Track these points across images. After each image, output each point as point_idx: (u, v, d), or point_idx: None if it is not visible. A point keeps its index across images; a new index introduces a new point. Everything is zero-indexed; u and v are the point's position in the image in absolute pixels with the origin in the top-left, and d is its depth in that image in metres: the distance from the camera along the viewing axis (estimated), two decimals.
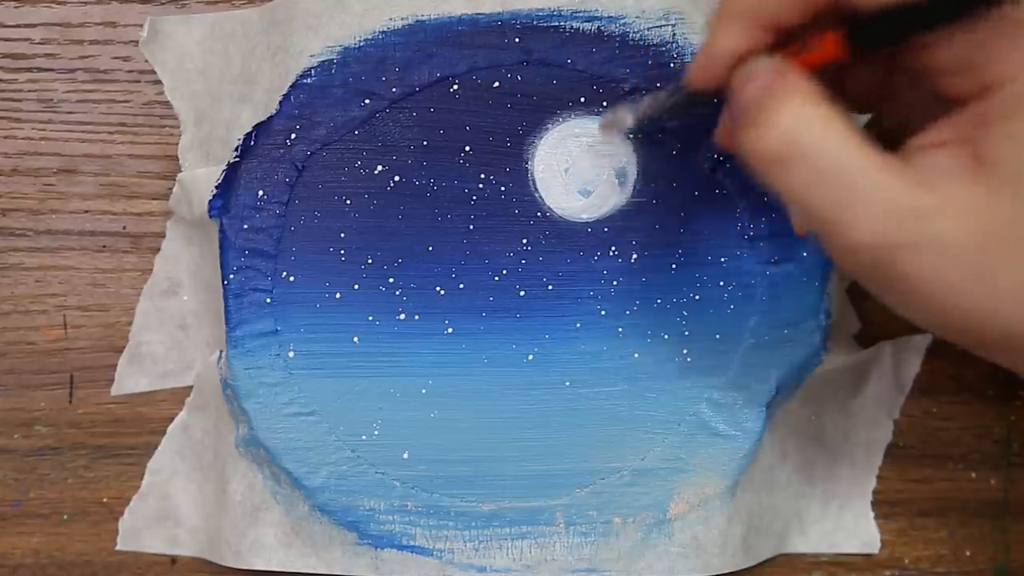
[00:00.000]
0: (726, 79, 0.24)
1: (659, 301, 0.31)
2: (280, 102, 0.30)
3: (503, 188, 0.31)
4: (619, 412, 0.31)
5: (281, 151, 0.31)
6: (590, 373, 0.31)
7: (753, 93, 0.23)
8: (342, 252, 0.31)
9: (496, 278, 0.31)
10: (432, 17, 0.30)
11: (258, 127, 0.30)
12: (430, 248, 0.31)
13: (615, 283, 0.31)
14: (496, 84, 0.31)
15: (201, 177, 0.31)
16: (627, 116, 0.29)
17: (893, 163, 0.21)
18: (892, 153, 0.22)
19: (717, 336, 0.31)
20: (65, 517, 0.33)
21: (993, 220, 0.20)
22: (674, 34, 0.30)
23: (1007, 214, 0.20)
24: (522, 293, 0.31)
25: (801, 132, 0.22)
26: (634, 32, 0.30)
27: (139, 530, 0.33)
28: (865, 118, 0.30)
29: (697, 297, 0.31)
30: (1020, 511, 0.34)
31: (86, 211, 0.33)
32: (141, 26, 0.32)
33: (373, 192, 0.31)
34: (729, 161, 0.31)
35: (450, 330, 0.31)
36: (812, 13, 0.22)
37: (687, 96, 0.26)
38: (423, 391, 0.31)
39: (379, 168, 0.31)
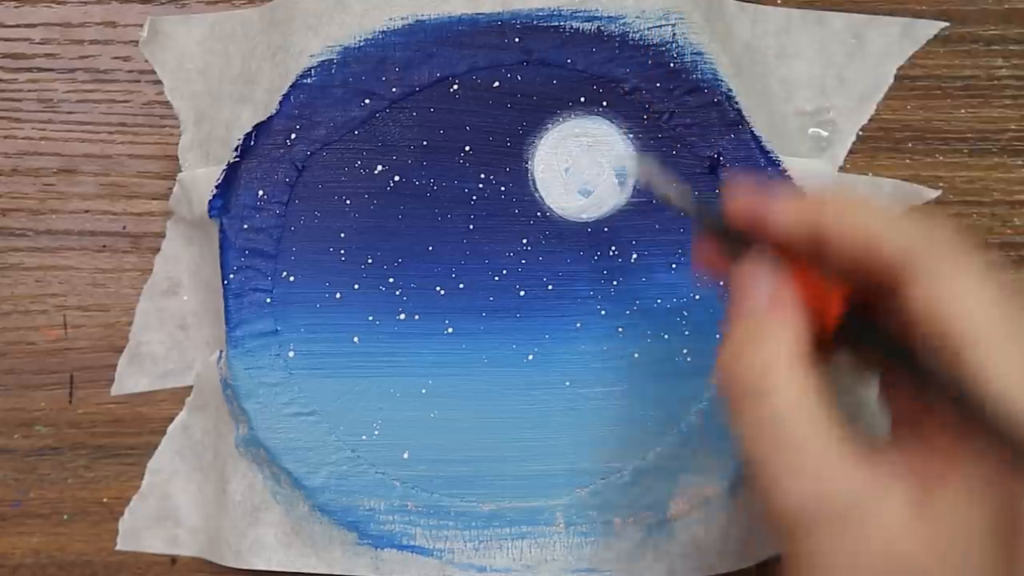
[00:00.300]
0: (761, 229, 0.23)
1: (659, 301, 0.31)
2: (280, 102, 0.30)
3: (503, 188, 0.31)
4: (619, 412, 0.31)
5: (281, 151, 0.31)
6: (590, 373, 0.31)
7: (748, 314, 0.23)
8: (342, 252, 0.31)
9: (496, 278, 0.31)
10: (432, 17, 0.30)
11: (258, 127, 0.30)
12: (430, 248, 0.31)
13: (615, 283, 0.31)
14: (496, 84, 0.31)
15: (201, 177, 0.31)
16: (662, 183, 0.28)
17: (850, 450, 0.21)
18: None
19: (717, 336, 0.31)
20: (65, 517, 0.33)
21: (916, 552, 0.20)
22: (674, 34, 0.30)
23: (931, 556, 0.20)
24: (522, 293, 0.31)
25: (771, 386, 0.22)
26: (634, 32, 0.30)
27: (139, 530, 0.33)
28: None
29: (697, 297, 0.31)
30: None
31: (86, 211, 0.33)
32: (141, 26, 0.32)
33: (373, 192, 0.31)
34: (729, 161, 0.31)
35: (450, 330, 0.31)
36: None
37: (709, 220, 0.25)
38: (423, 391, 0.31)
39: (379, 168, 0.31)
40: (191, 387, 0.33)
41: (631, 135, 0.31)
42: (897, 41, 0.33)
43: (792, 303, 0.23)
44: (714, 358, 0.31)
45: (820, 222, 0.22)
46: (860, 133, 0.33)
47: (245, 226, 0.31)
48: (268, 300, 0.31)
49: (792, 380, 0.22)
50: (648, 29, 0.30)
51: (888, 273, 0.22)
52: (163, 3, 0.33)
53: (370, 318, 0.31)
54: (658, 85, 0.30)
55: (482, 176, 0.31)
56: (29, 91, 0.33)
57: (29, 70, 0.33)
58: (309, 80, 0.30)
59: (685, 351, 0.31)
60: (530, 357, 0.31)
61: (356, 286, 0.31)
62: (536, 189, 0.31)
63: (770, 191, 0.24)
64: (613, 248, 0.31)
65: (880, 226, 0.22)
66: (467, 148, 0.31)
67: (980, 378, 0.20)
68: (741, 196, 0.24)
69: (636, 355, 0.31)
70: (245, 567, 0.31)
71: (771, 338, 0.22)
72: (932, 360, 0.21)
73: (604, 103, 0.31)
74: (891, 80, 0.33)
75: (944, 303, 0.21)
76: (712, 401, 0.31)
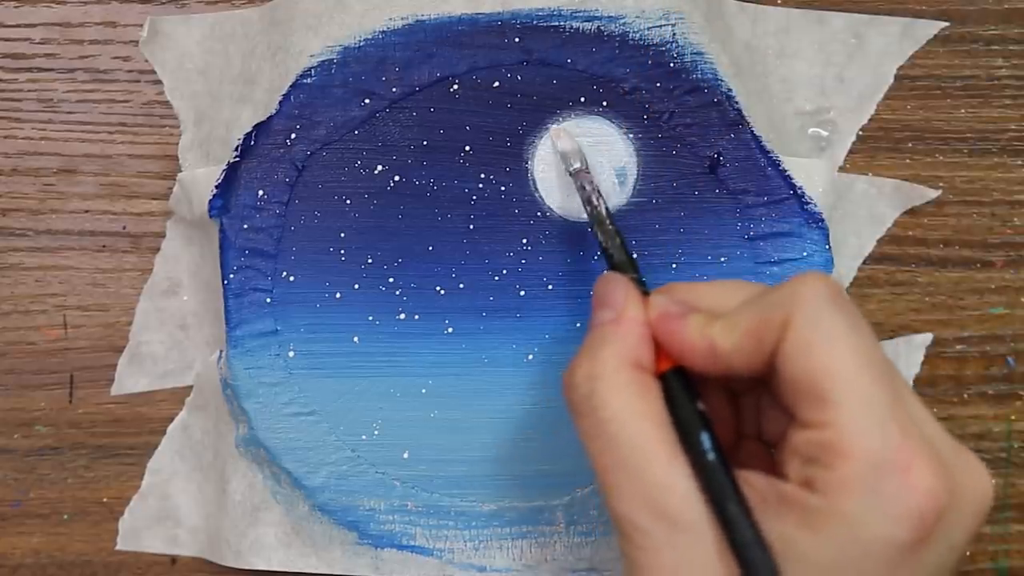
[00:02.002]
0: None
1: None
2: (280, 102, 0.30)
3: (503, 188, 0.31)
4: None
5: (281, 151, 0.31)
6: None
7: (597, 321, 0.24)
8: (342, 252, 0.31)
9: (496, 278, 0.31)
10: (432, 17, 0.30)
11: (258, 127, 0.30)
12: (430, 248, 0.31)
13: None
14: (496, 84, 0.31)
15: (201, 177, 0.31)
16: (575, 161, 0.29)
17: (679, 462, 0.22)
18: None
19: None
20: (65, 517, 0.33)
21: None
22: (674, 34, 0.30)
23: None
24: (522, 293, 0.31)
25: (601, 394, 0.22)
26: (634, 32, 0.30)
27: (139, 530, 0.33)
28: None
29: None
30: (1020, 511, 0.34)
31: (86, 211, 0.33)
32: (141, 26, 0.32)
33: (373, 192, 0.31)
34: (729, 161, 0.31)
35: (450, 330, 0.31)
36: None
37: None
38: (423, 391, 0.31)
39: (379, 168, 0.31)
40: (191, 387, 0.33)
41: (631, 135, 0.31)
42: (897, 41, 0.33)
43: (632, 319, 0.24)
44: None
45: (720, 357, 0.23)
46: (860, 133, 0.33)
47: (245, 226, 0.31)
48: (268, 300, 0.31)
49: (620, 388, 0.22)
50: (648, 29, 0.30)
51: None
52: (163, 3, 0.33)
53: (370, 318, 0.31)
54: (658, 85, 0.30)
55: (482, 176, 0.31)
56: (29, 91, 0.33)
57: (29, 70, 0.33)
58: (309, 80, 0.30)
59: None
60: (530, 357, 0.31)
61: (356, 286, 0.31)
62: (536, 189, 0.31)
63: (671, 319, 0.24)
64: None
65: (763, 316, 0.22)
66: (467, 148, 0.31)
67: (840, 417, 0.20)
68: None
69: None
70: (245, 567, 0.31)
71: (604, 349, 0.23)
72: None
73: (604, 103, 0.31)
74: (891, 80, 0.33)
75: (808, 353, 0.21)
76: None
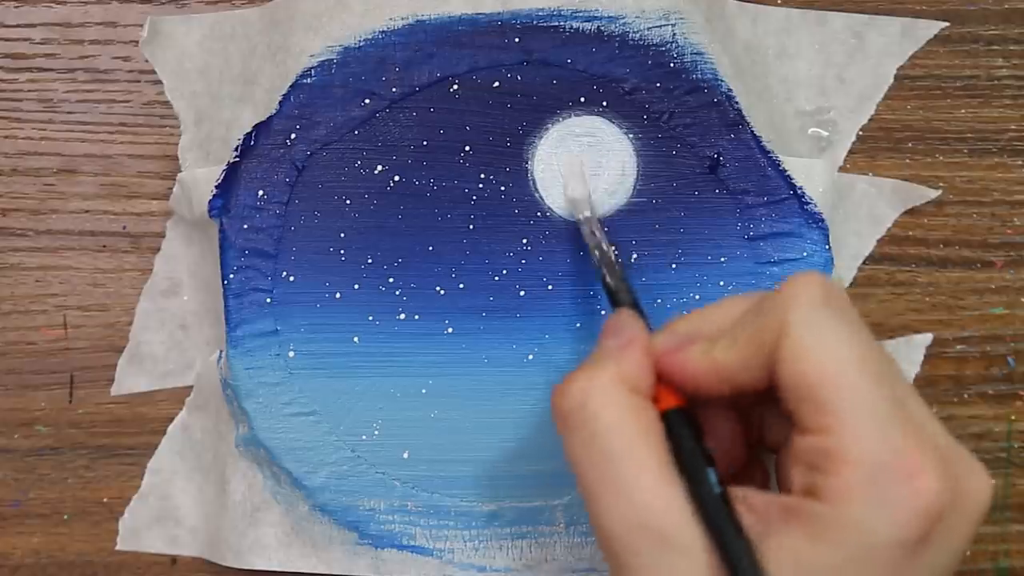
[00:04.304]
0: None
1: (659, 301, 0.31)
2: (280, 102, 0.30)
3: (503, 188, 0.31)
4: None
5: (281, 151, 0.31)
6: None
7: (601, 347, 0.24)
8: (342, 252, 0.31)
9: (496, 278, 0.31)
10: (432, 17, 0.30)
11: (258, 127, 0.30)
12: (430, 248, 0.31)
13: None
14: (496, 84, 0.31)
15: (201, 177, 0.31)
16: (585, 209, 0.30)
17: (669, 478, 0.21)
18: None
19: None
20: (65, 517, 0.33)
21: None
22: (674, 34, 0.30)
23: None
24: (522, 293, 0.31)
25: (592, 408, 0.22)
26: (634, 32, 0.30)
27: (139, 530, 0.33)
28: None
29: (697, 297, 0.31)
30: (1020, 511, 0.34)
31: (86, 211, 0.33)
32: (141, 26, 0.32)
33: (373, 192, 0.31)
34: (729, 161, 0.31)
35: (450, 330, 0.31)
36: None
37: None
38: (423, 391, 0.31)
39: (379, 168, 0.31)
40: (191, 387, 0.33)
41: (631, 135, 0.31)
42: (897, 41, 0.33)
43: (636, 345, 0.23)
44: None
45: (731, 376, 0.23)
46: (860, 133, 0.33)
47: (245, 226, 0.31)
48: (268, 300, 0.31)
49: (615, 403, 0.22)
50: (648, 29, 0.30)
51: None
52: (163, 3, 0.33)
53: (370, 318, 0.31)
54: (658, 85, 0.30)
55: (482, 176, 0.31)
56: (29, 91, 0.33)
57: (29, 70, 0.33)
58: (309, 80, 0.30)
59: None
60: (530, 357, 0.31)
61: (356, 286, 0.31)
62: (536, 189, 0.31)
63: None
64: (613, 248, 0.31)
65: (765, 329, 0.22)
66: (467, 148, 0.31)
67: (840, 422, 0.20)
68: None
69: None
70: (245, 567, 0.31)
71: (604, 367, 0.23)
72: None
73: (604, 103, 0.31)
74: (891, 80, 0.33)
75: (807, 356, 0.21)
76: None
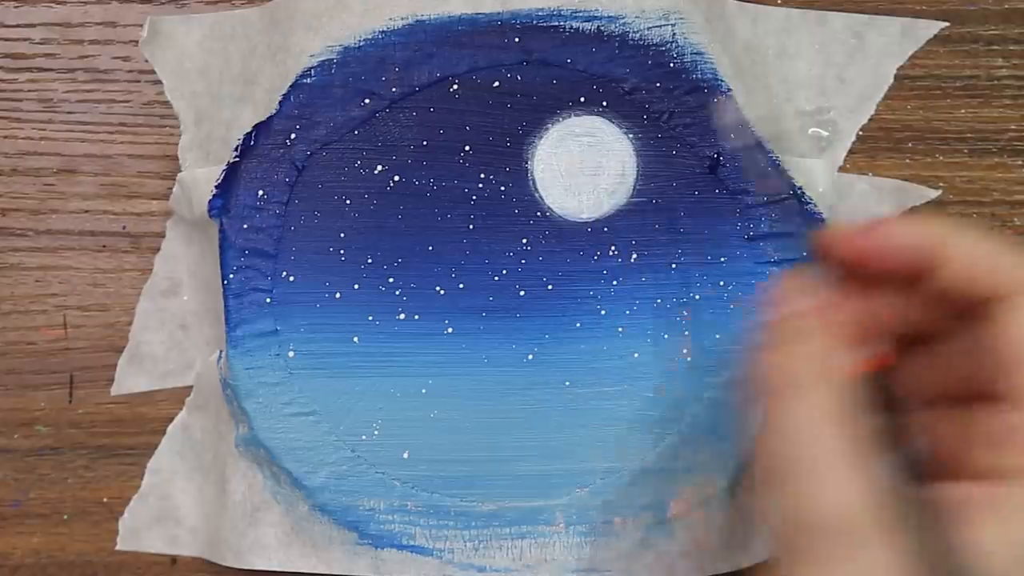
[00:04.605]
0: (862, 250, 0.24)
1: (659, 301, 0.31)
2: (280, 102, 0.30)
3: (503, 188, 0.31)
4: (619, 412, 0.31)
5: (281, 151, 0.31)
6: (590, 373, 0.31)
7: (794, 314, 0.23)
8: (342, 252, 0.31)
9: (496, 278, 0.31)
10: (432, 17, 0.30)
11: (258, 127, 0.30)
12: (430, 248, 0.31)
13: (615, 283, 0.31)
14: (496, 84, 0.31)
15: (201, 177, 0.31)
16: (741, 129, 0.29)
17: (866, 471, 0.21)
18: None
19: (717, 336, 0.31)
20: (65, 517, 0.33)
21: None
22: (674, 34, 0.30)
23: None
24: (522, 293, 0.31)
25: (794, 395, 0.22)
26: (634, 32, 0.30)
27: (139, 530, 0.33)
28: None
29: (697, 297, 0.31)
30: None
31: (86, 211, 0.33)
32: (141, 26, 0.32)
33: (373, 192, 0.31)
34: (729, 161, 0.31)
35: (450, 330, 0.31)
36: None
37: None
38: (423, 391, 0.31)
39: (379, 168, 0.31)
40: (191, 387, 0.33)
41: (631, 135, 0.31)
42: (897, 41, 0.33)
43: (837, 311, 0.23)
44: (714, 358, 0.31)
45: (936, 245, 0.22)
46: (860, 133, 0.33)
47: (245, 226, 0.31)
48: (268, 300, 0.31)
49: (811, 388, 0.21)
50: (648, 29, 0.30)
51: (981, 304, 0.21)
52: (163, 3, 0.33)
53: (370, 318, 0.31)
54: (658, 85, 0.31)
55: (482, 176, 0.31)
56: (29, 91, 0.33)
57: (29, 70, 0.33)
58: (309, 80, 0.30)
59: (685, 351, 0.31)
60: (530, 357, 0.31)
61: (356, 286, 0.31)
62: (536, 189, 0.31)
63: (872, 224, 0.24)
64: (613, 248, 0.31)
65: (994, 257, 0.22)
66: (467, 148, 0.31)
67: None
68: (831, 242, 0.25)
69: (636, 355, 0.31)
70: (245, 567, 0.31)
71: (816, 337, 0.22)
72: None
73: (604, 103, 0.31)
74: (891, 80, 0.33)
75: None
76: (712, 401, 0.31)
